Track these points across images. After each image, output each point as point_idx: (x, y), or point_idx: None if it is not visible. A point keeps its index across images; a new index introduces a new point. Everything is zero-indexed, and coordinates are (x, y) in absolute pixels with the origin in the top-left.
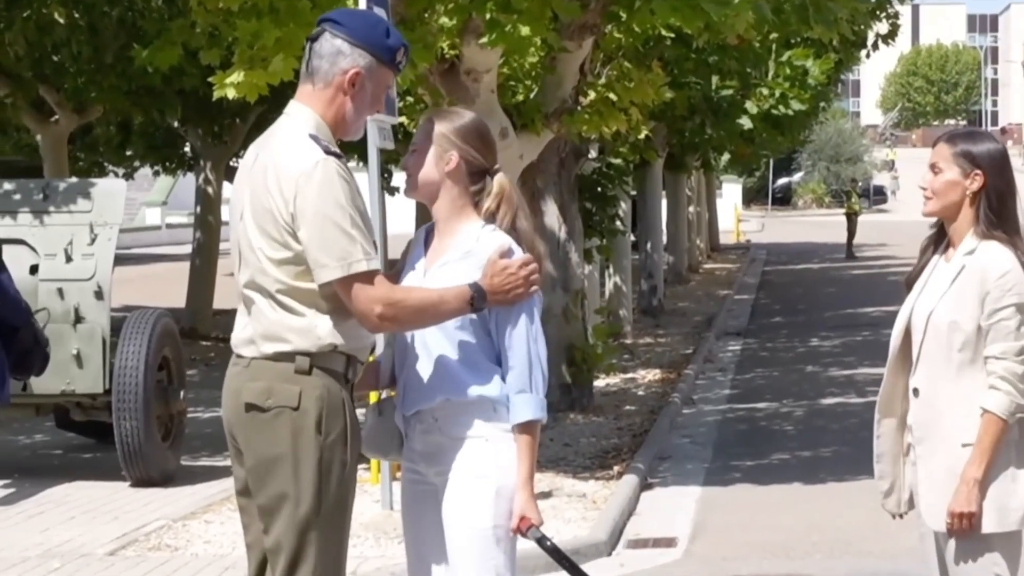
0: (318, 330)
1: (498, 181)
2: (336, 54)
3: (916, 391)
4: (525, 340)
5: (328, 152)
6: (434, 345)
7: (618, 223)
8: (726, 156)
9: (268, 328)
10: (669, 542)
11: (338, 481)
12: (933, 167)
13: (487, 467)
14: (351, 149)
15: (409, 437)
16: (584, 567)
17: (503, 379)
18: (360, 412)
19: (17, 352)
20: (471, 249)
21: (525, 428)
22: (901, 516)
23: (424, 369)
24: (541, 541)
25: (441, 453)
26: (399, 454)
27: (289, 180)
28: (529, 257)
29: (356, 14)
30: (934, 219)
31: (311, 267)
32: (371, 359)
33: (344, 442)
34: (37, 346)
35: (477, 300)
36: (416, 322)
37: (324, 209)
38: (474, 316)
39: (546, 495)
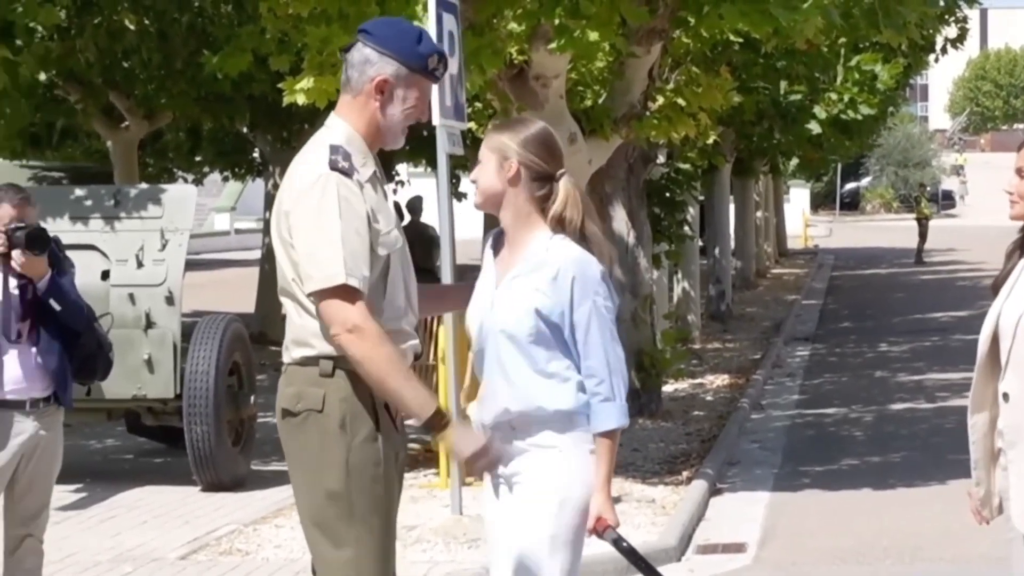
0: None
1: (563, 186)
2: (364, 63)
3: (1006, 396)
4: (602, 347)
5: (335, 167)
6: (508, 357)
7: (686, 228)
8: (794, 161)
9: (296, 333)
10: (739, 548)
11: (372, 480)
12: (1020, 171)
13: (556, 478)
14: (420, 154)
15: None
16: None
17: (580, 389)
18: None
19: (80, 357)
20: (542, 260)
21: (606, 434)
22: (987, 521)
23: (500, 381)
24: (617, 543)
25: (517, 459)
26: None
27: (292, 191)
28: (484, 450)
29: (387, 23)
30: (1021, 223)
31: (301, 277)
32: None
33: (374, 440)
34: (100, 351)
35: (426, 424)
36: (364, 370)
37: (316, 222)
38: (546, 328)
39: (615, 500)
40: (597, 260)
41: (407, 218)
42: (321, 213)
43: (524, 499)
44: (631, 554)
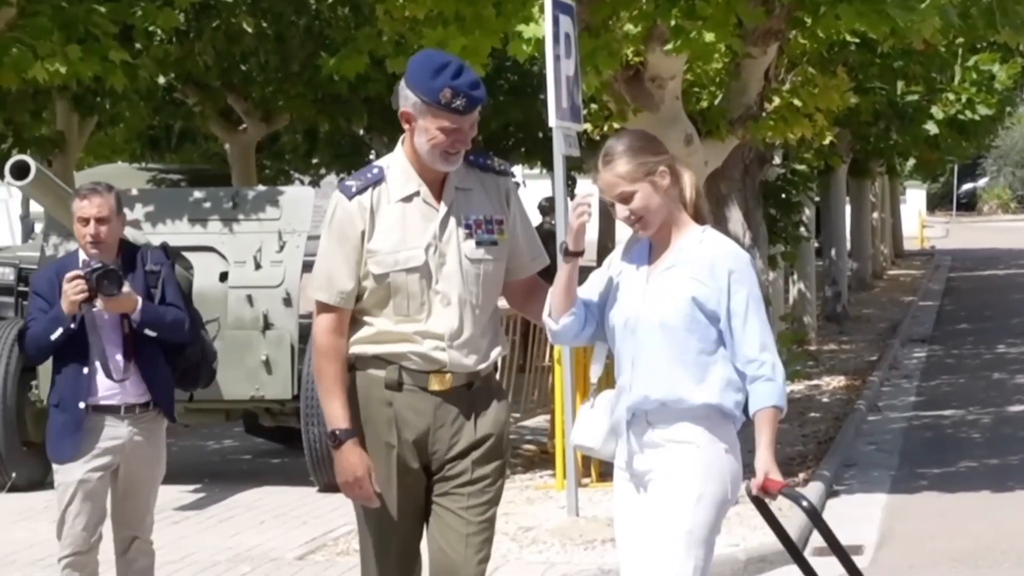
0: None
1: (682, 172)
2: (397, 94)
3: None
4: (759, 332)
5: (339, 187)
6: (658, 348)
7: (802, 229)
8: (911, 162)
9: None
10: (855, 550)
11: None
12: None
13: (692, 474)
14: (536, 155)
15: (627, 436)
16: (769, 575)
17: (727, 386)
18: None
19: (183, 367)
20: (697, 252)
21: (767, 409)
22: None
23: (646, 371)
24: (797, 499)
25: (651, 454)
26: (609, 451)
27: None
28: (357, 482)
29: (424, 56)
30: None
31: None
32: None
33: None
34: (204, 360)
35: (331, 439)
36: (316, 377)
37: (322, 239)
38: (702, 317)
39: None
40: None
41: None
42: (325, 232)
43: (659, 495)
44: (813, 514)
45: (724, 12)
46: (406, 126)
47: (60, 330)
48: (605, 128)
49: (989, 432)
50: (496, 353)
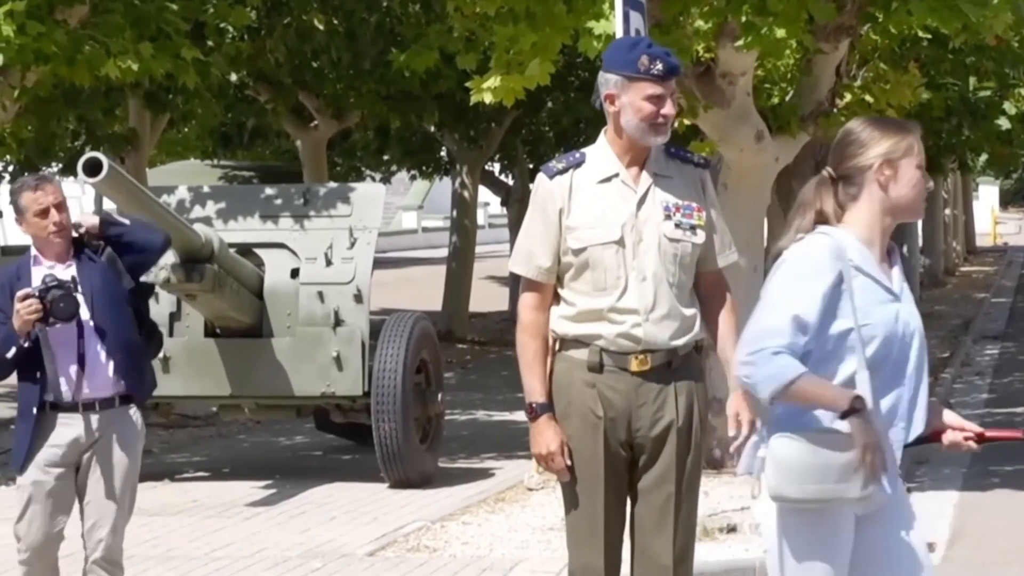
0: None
1: None
2: (599, 84)
3: None
4: None
5: (546, 170)
6: (924, 363)
7: None
8: (983, 157)
9: None
10: (927, 547)
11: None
12: None
13: None
14: None
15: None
16: None
17: None
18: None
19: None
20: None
21: None
22: None
23: (924, 393)
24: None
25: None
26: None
27: None
28: (551, 455)
29: (615, 41)
30: None
31: None
32: None
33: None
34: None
35: (528, 412)
36: (519, 351)
37: (526, 217)
38: None
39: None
40: None
41: None
42: (529, 208)
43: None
44: None
45: (795, 8)
46: (610, 109)
47: (13, 349)
48: (676, 124)
49: None
50: (694, 333)
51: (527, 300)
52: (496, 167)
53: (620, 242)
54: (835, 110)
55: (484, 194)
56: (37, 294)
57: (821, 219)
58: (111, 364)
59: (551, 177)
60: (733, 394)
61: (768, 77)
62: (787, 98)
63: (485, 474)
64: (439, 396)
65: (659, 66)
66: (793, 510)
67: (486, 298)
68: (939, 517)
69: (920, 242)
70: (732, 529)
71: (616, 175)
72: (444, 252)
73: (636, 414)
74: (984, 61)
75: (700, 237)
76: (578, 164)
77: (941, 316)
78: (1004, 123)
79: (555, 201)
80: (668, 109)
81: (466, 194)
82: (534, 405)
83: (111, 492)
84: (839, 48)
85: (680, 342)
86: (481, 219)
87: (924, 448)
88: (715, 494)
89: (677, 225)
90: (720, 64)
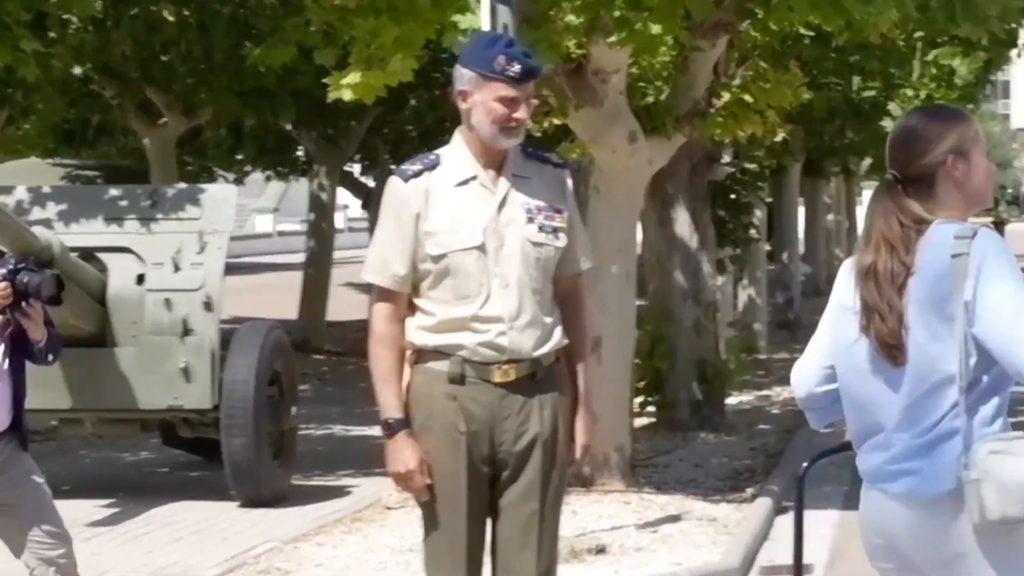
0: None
1: None
2: (455, 78)
3: None
4: None
5: (400, 173)
6: None
7: (752, 232)
8: (868, 161)
9: None
10: (805, 569)
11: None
12: None
13: None
14: None
15: None
16: None
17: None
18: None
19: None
20: None
21: None
22: None
23: None
24: None
25: None
26: None
27: None
28: (409, 474)
29: (475, 36)
30: None
31: None
32: None
33: (425, 431)
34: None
35: (384, 428)
36: (371, 364)
37: (377, 222)
38: None
39: (675, 519)
40: None
41: None
42: (380, 213)
43: None
44: None
45: (671, 3)
46: (463, 106)
47: None
48: (545, 124)
49: None
50: (555, 341)
51: (381, 310)
52: (356, 168)
53: (482, 247)
54: (712, 110)
55: (343, 196)
56: (6, 275)
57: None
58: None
59: (406, 180)
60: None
61: (642, 75)
62: (662, 97)
63: (341, 492)
64: (293, 410)
65: (516, 67)
66: (1014, 530)
67: (345, 306)
68: (818, 539)
69: (801, 249)
70: (601, 550)
71: (474, 177)
72: (300, 257)
73: (499, 428)
74: (869, 60)
75: (563, 241)
76: (433, 166)
77: None
78: (889, 125)
79: (411, 206)
80: (521, 113)
81: (324, 196)
82: (390, 421)
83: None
84: (717, 45)
85: (543, 351)
86: (340, 222)
87: (803, 465)
88: (584, 513)
89: (540, 228)
90: (592, 61)
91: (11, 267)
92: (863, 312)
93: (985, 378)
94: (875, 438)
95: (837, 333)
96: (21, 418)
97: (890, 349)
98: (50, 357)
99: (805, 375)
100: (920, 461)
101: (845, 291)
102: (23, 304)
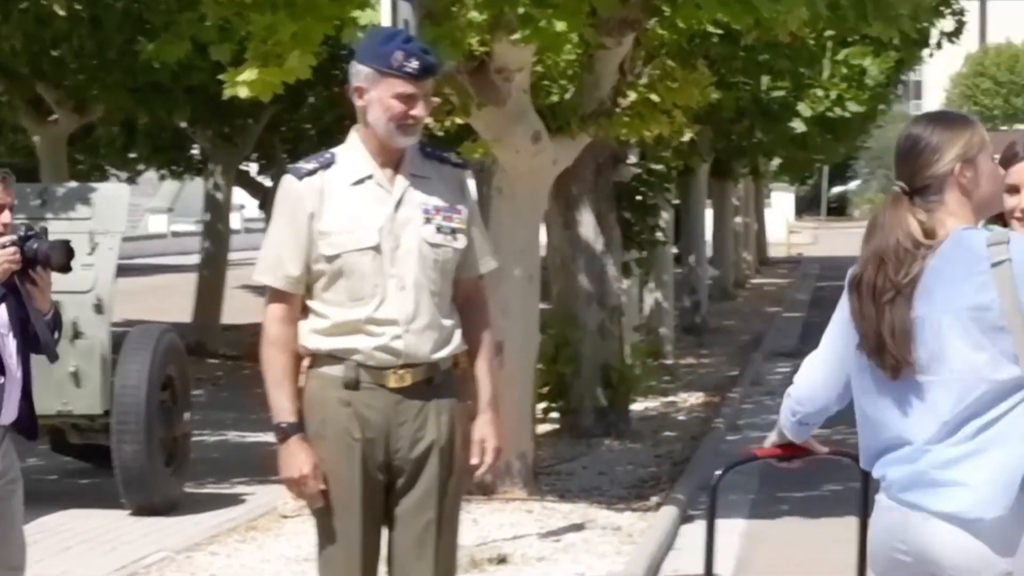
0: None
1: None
2: (351, 75)
3: None
4: None
5: (295, 172)
6: None
7: (659, 234)
8: (777, 162)
9: None
10: None
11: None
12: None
13: None
14: None
15: None
16: None
17: None
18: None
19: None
20: None
21: None
22: None
23: None
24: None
25: None
26: None
27: None
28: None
29: (372, 31)
30: None
31: None
32: None
33: (319, 438)
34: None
35: (277, 433)
36: (263, 367)
37: (270, 222)
38: None
39: (578, 527)
40: None
41: None
42: (273, 212)
43: None
44: None
45: (576, 0)
46: (359, 103)
47: None
48: (447, 123)
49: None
50: (454, 345)
51: (274, 312)
52: (253, 167)
53: (377, 248)
54: (618, 109)
55: (240, 196)
56: (17, 240)
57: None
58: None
59: (300, 178)
60: (481, 416)
61: (547, 74)
62: (567, 96)
63: (236, 500)
64: (186, 415)
65: (414, 63)
66: None
67: (241, 309)
68: (724, 548)
69: (709, 252)
70: (502, 560)
71: (370, 176)
72: (195, 259)
73: (395, 434)
74: (778, 59)
75: (461, 242)
76: (328, 164)
77: (730, 331)
78: (799, 126)
79: (305, 205)
80: (419, 110)
81: (220, 196)
82: (283, 425)
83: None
84: (623, 43)
85: (441, 355)
86: (236, 223)
87: (709, 473)
88: (485, 522)
89: (438, 229)
90: (495, 59)
91: (21, 234)
92: (856, 328)
93: None
94: (898, 452)
95: (848, 345)
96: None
97: (885, 362)
98: (56, 335)
99: (812, 393)
100: (973, 475)
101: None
102: (31, 271)
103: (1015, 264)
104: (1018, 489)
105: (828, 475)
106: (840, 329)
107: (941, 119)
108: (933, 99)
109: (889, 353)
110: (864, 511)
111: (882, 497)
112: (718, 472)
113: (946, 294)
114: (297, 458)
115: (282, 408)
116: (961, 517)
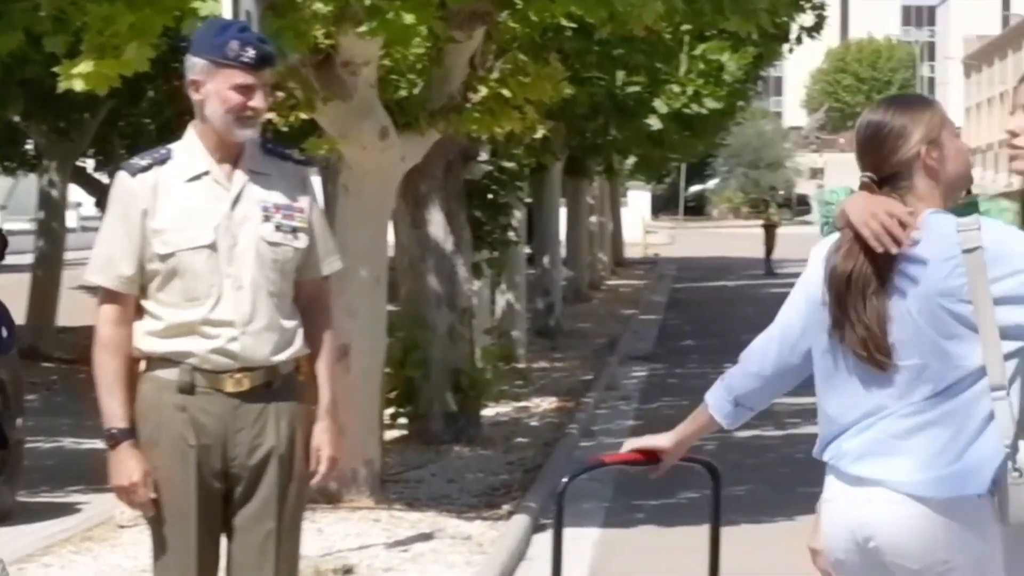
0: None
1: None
2: (186, 68)
3: None
4: None
5: (128, 168)
6: None
7: (511, 234)
8: (632, 160)
9: None
10: None
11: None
12: None
13: None
14: None
15: None
16: None
17: None
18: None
19: None
20: None
21: None
22: None
23: None
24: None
25: None
26: None
27: None
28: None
29: (207, 23)
30: None
31: None
32: None
33: (152, 445)
34: None
35: (107, 439)
36: (96, 371)
37: (103, 220)
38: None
39: (427, 537)
40: None
41: None
42: (106, 210)
43: None
44: None
45: None
46: (195, 97)
47: None
48: (291, 119)
49: (713, 460)
50: (296, 348)
51: (106, 313)
52: (90, 163)
53: (213, 246)
54: (469, 105)
55: (76, 193)
56: None
57: None
58: None
59: (133, 175)
60: (319, 423)
61: (395, 68)
62: (415, 91)
63: (70, 509)
64: (19, 421)
65: (251, 53)
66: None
67: (76, 310)
68: (577, 556)
69: (563, 253)
70: (348, 571)
71: (207, 172)
72: (29, 258)
73: (233, 440)
74: (633, 54)
75: (302, 241)
76: (164, 160)
77: (585, 334)
78: (655, 122)
79: (138, 202)
80: (257, 101)
81: (55, 193)
82: (113, 431)
83: None
84: (473, 37)
85: (281, 358)
86: (72, 221)
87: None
88: (330, 531)
89: (277, 227)
90: (341, 52)
91: None
92: (835, 320)
93: (1012, 373)
94: (857, 426)
95: (809, 326)
96: None
97: (873, 356)
98: (4, 332)
99: (761, 368)
100: (928, 446)
101: (817, 284)
102: None
103: (987, 251)
104: (986, 481)
105: (684, 483)
106: (798, 311)
107: (899, 102)
108: (793, 96)
109: (871, 342)
110: (716, 518)
111: (830, 485)
112: (565, 479)
113: (916, 280)
114: (127, 465)
115: (113, 413)
116: (907, 489)
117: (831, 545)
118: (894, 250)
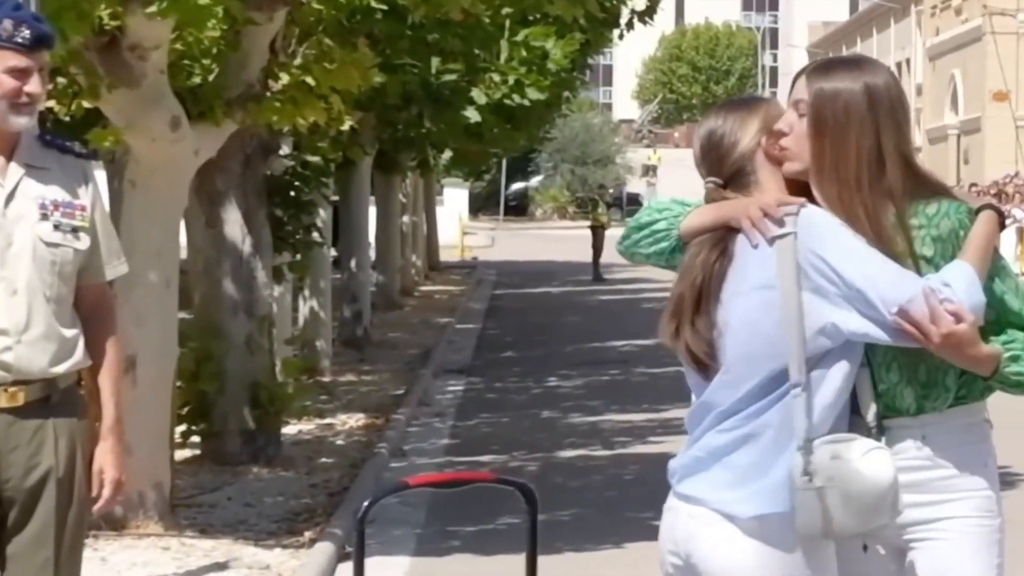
0: None
1: None
2: None
3: None
4: None
5: None
6: None
7: (315, 234)
8: (449, 155)
9: None
10: None
11: None
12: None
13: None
14: None
15: None
16: None
17: None
18: None
19: None
20: None
21: None
22: None
23: None
24: None
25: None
26: None
27: None
28: None
29: None
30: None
31: None
32: None
33: None
34: None
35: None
36: None
37: None
38: None
39: (221, 567)
40: None
41: None
42: None
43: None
44: None
45: None
46: None
47: None
48: (73, 107)
49: (536, 482)
50: (76, 359)
51: None
52: None
53: None
54: (269, 94)
55: None
56: None
57: None
58: None
59: None
60: (102, 443)
61: (188, 52)
62: (210, 78)
63: None
64: None
65: (26, 32)
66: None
67: None
68: None
69: (372, 255)
70: None
71: None
72: None
73: (7, 460)
74: (449, 39)
75: (84, 242)
76: None
77: (396, 345)
78: (473, 114)
79: None
80: (34, 86)
81: None
82: None
83: None
84: (274, 19)
85: (60, 369)
86: None
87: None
88: (115, 560)
89: (56, 227)
90: (128, 34)
91: None
92: (672, 315)
93: (819, 372)
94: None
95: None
96: None
97: (697, 360)
98: None
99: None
100: (756, 477)
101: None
102: None
103: (799, 238)
104: (786, 498)
105: (503, 507)
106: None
107: (732, 104)
108: (624, 85)
109: (694, 347)
110: (533, 545)
111: (670, 495)
112: (366, 502)
113: (735, 276)
114: None
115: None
116: (716, 507)
117: (662, 557)
118: (773, 233)
